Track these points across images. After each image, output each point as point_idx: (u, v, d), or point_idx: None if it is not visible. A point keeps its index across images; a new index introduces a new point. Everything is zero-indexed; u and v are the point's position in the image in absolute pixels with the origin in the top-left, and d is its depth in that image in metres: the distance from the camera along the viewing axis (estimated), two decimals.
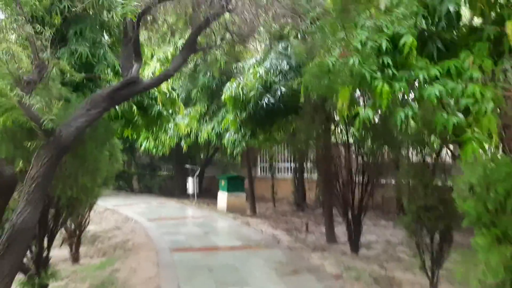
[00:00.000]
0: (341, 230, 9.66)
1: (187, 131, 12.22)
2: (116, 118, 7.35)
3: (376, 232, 10.51)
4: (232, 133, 9.42)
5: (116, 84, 4.74)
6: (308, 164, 16.25)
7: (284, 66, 7.89)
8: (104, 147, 5.92)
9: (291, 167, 16.39)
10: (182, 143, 13.64)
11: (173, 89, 8.49)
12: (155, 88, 8.03)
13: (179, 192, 17.30)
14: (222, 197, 12.44)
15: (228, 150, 10.12)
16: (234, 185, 12.30)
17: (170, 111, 8.69)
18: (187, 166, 16.66)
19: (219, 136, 11.47)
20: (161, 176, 19.56)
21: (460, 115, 3.57)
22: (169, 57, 11.02)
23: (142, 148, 15.20)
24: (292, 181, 14.78)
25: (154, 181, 18.80)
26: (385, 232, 10.72)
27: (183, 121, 12.20)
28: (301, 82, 7.61)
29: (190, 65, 12.91)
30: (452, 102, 3.74)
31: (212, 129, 11.59)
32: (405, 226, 5.88)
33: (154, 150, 15.04)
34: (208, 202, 15.18)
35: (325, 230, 9.64)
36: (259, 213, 13.51)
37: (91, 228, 11.10)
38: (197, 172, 15.77)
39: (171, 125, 11.07)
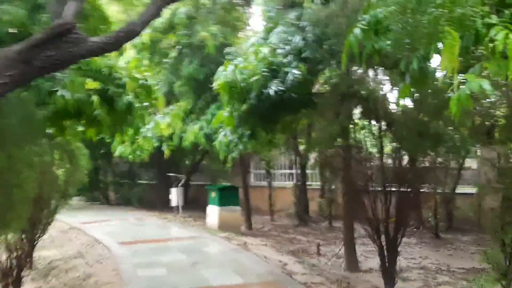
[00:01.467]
0: (358, 251, 7.73)
1: (169, 132, 10.10)
2: (66, 112, 5.27)
3: (403, 252, 8.58)
4: (227, 133, 7.35)
5: (36, 35, 2.68)
6: (310, 170, 14.37)
7: (298, 41, 5.88)
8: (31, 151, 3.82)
9: (291, 173, 14.39)
10: (164, 147, 11.50)
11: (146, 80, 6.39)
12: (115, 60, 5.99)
13: (162, 204, 15.08)
14: (213, 212, 10.34)
15: (221, 155, 8.05)
16: (227, 197, 10.22)
17: (146, 104, 6.60)
18: (170, 174, 14.49)
19: (209, 137, 9.40)
20: (141, 186, 17.30)
21: None
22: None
23: (117, 153, 13.01)
24: (293, 190, 12.77)
25: (133, 191, 16.53)
26: (412, 252, 8.78)
27: (164, 120, 10.09)
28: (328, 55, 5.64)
29: (172, 53, 10.83)
30: None
31: (200, 129, 9.51)
32: (491, 261, 3.94)
33: (131, 156, 12.87)
34: (195, 217, 13.01)
35: (345, 254, 7.65)
36: (255, 229, 11.44)
37: (48, 254, 8.90)
38: (182, 181, 13.61)
39: (150, 125, 9.00)
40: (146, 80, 6.35)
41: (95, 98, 5.66)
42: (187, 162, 17.41)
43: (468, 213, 10.58)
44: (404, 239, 9.68)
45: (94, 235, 9.37)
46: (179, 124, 9.92)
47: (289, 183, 14.08)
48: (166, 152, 11.53)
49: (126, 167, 18.44)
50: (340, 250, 8.04)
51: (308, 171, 13.20)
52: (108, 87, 5.93)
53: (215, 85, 6.42)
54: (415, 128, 5.00)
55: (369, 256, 8.10)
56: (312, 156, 13.67)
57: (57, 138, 7.73)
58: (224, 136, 7.41)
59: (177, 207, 13.23)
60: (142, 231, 9.79)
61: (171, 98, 11.69)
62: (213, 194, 10.42)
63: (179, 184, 13.39)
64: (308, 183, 13.12)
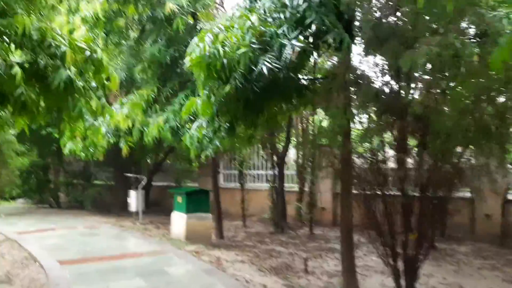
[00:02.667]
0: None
1: (128, 125, 8.45)
2: None
3: None
4: (203, 124, 5.83)
5: None
6: (289, 171, 13.04)
7: (298, 3, 4.48)
8: None
9: (266, 174, 13.02)
10: (122, 143, 9.80)
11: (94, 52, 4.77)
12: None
13: (119, 209, 13.32)
14: (179, 220, 8.78)
15: (192, 153, 6.52)
16: (196, 203, 8.69)
17: (94, 84, 5.01)
18: (129, 175, 12.76)
19: (176, 132, 7.85)
20: (96, 187, 15.37)
21: None
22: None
23: (67, 151, 11.13)
24: (269, 192, 11.40)
25: (86, 193, 14.60)
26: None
27: (121, 111, 8.42)
28: None
29: (133, 34, 9.18)
30: None
31: (166, 122, 7.94)
32: None
33: (83, 154, 11.05)
34: (157, 223, 11.38)
35: (343, 273, 6.33)
36: (227, 238, 9.97)
37: None
38: (143, 183, 11.92)
39: (103, 117, 7.32)
40: (95, 52, 4.75)
41: (18, 71, 4.04)
42: (148, 160, 15.68)
43: (458, 219, 9.62)
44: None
45: (31, 249, 7.59)
46: (139, 115, 8.29)
47: (264, 185, 12.72)
48: (124, 149, 9.81)
49: (80, 166, 16.46)
50: (305, 264, 6.73)
51: (287, 172, 11.88)
52: (39, 57, 4.33)
53: (187, 61, 4.91)
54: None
55: (368, 272, 6.88)
56: (295, 154, 12.41)
57: None
58: (197, 129, 5.89)
59: (137, 212, 11.54)
60: (92, 244, 8.09)
61: (130, 86, 10.03)
62: (179, 199, 8.86)
63: (140, 186, 11.69)
64: (285, 185, 11.78)
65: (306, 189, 11.56)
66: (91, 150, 10.95)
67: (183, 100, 7.72)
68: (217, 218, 9.72)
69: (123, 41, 9.17)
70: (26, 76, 4.31)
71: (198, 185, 14.77)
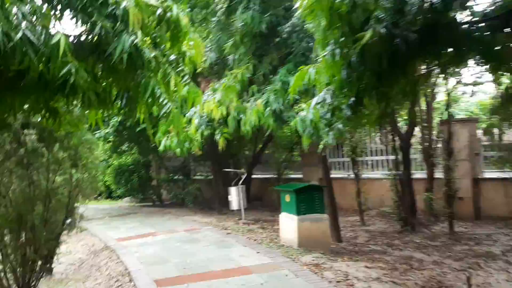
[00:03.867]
0: None
1: (221, 114, 7.15)
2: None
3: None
4: (327, 98, 4.17)
5: None
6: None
7: None
8: None
9: (385, 160, 11.03)
10: (218, 135, 8.61)
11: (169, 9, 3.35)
12: None
13: (219, 204, 12.37)
14: (289, 223, 7.30)
15: (305, 143, 4.90)
16: (308, 202, 7.12)
17: (173, 57, 3.65)
18: (228, 170, 11.67)
19: (279, 117, 6.34)
20: (196, 183, 14.65)
21: None
22: None
23: (161, 147, 10.34)
24: (390, 182, 9.40)
25: (187, 190, 13.91)
26: None
27: (212, 98, 7.15)
28: None
29: (220, 6, 7.83)
30: None
31: (265, 105, 6.45)
32: None
33: (178, 150, 10.15)
34: (262, 222, 10.10)
35: None
36: (347, 240, 8.28)
37: None
38: (243, 178, 10.72)
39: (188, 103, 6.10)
40: (170, 10, 3.36)
41: (61, 40, 2.78)
42: (247, 152, 14.53)
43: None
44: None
45: (128, 262, 6.71)
46: (234, 100, 6.93)
47: (380, 173, 10.73)
48: (220, 142, 8.62)
49: (180, 162, 15.97)
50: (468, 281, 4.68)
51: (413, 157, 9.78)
52: (96, 19, 3.07)
53: (298, 5, 3.28)
54: None
55: None
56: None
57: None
58: (315, 108, 4.25)
59: (239, 209, 10.39)
60: (193, 255, 6.99)
61: (222, 70, 8.76)
62: (287, 198, 7.37)
63: (240, 182, 10.50)
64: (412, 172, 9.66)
65: (437, 175, 9.37)
66: (186, 144, 10.02)
67: (286, 76, 6.15)
68: (333, 217, 8.07)
69: (210, 17, 7.88)
70: (80, 51, 3.10)
71: (303, 176, 13.25)
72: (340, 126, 4.47)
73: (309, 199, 7.15)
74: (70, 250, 8.40)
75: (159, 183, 16.05)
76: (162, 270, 6.10)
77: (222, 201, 12.42)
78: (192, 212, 12.60)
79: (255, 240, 8.00)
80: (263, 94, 6.64)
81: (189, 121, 8.75)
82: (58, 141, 4.91)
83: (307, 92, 4.91)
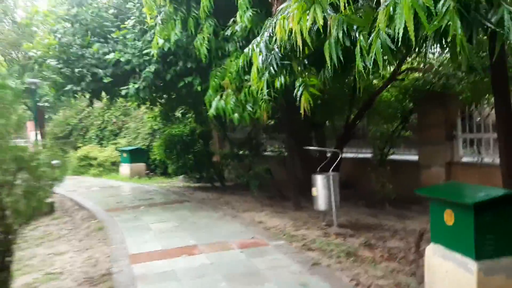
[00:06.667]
0: None
1: (308, 34, 3.28)
2: None
3: None
4: None
5: None
6: None
7: None
8: None
9: None
10: (300, 90, 4.77)
11: None
12: None
13: (296, 195, 8.68)
14: (453, 273, 3.36)
15: None
16: (505, 231, 3.13)
17: None
18: (311, 148, 7.88)
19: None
20: (265, 161, 11.02)
21: None
22: None
23: (212, 110, 6.79)
24: None
25: (253, 172, 10.29)
26: None
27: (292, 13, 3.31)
28: None
29: None
30: None
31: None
32: None
33: (236, 115, 6.56)
34: (365, 231, 6.27)
35: None
36: None
37: None
38: (336, 161, 6.89)
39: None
40: None
41: None
42: (334, 122, 10.53)
43: None
44: None
45: None
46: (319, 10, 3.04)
47: None
48: (303, 101, 4.75)
49: (245, 133, 12.46)
50: None
51: None
52: None
53: None
54: None
55: None
56: None
57: None
58: None
59: (327, 210, 6.64)
60: None
61: None
62: (449, 218, 3.42)
63: (331, 168, 6.68)
64: None
65: None
66: (248, 107, 6.43)
67: None
68: None
69: None
70: None
71: (419, 159, 9.07)
72: None
73: (507, 225, 3.17)
74: (63, 269, 5.32)
75: (221, 159, 12.69)
76: None
77: (299, 190, 8.75)
78: (257, 203, 9.07)
79: (369, 278, 4.23)
80: None
81: (248, 63, 5.08)
82: None
83: None
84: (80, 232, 7.37)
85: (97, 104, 19.98)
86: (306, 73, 4.87)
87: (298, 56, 4.32)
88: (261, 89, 4.87)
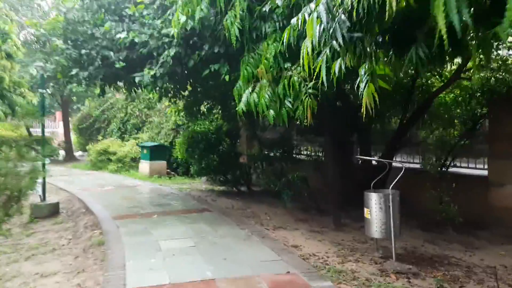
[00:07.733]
0: None
1: None
2: None
3: None
4: None
5: None
6: None
7: None
8: None
9: None
10: (365, 79, 3.32)
11: None
12: None
13: (337, 210, 7.21)
14: None
15: None
16: None
17: None
18: (362, 157, 6.40)
19: None
20: (299, 166, 9.56)
21: None
22: None
23: (242, 105, 5.42)
24: None
25: (285, 180, 8.81)
26: None
27: None
28: None
29: None
30: None
31: None
32: None
33: (272, 112, 5.18)
34: (433, 270, 4.76)
35: None
36: None
37: None
38: (399, 174, 5.36)
39: None
40: None
41: None
42: (388, 121, 8.93)
43: None
44: None
45: None
46: None
47: None
48: (366, 94, 3.32)
49: (276, 133, 11.03)
50: None
51: None
52: None
53: None
54: None
55: None
56: None
57: None
58: None
59: (382, 239, 5.16)
60: None
61: None
62: None
63: (391, 185, 5.19)
64: None
65: None
66: (287, 103, 5.06)
67: None
68: None
69: None
70: None
71: (490, 175, 7.41)
72: None
73: None
74: None
75: (249, 161, 11.31)
76: None
77: (341, 204, 7.29)
78: (290, 217, 7.67)
79: None
80: None
81: (294, 41, 3.69)
82: None
83: None
84: (78, 245, 6.17)
85: (121, 96, 19.02)
86: (378, 57, 3.43)
87: (373, 27, 2.88)
88: (313, 76, 3.45)
